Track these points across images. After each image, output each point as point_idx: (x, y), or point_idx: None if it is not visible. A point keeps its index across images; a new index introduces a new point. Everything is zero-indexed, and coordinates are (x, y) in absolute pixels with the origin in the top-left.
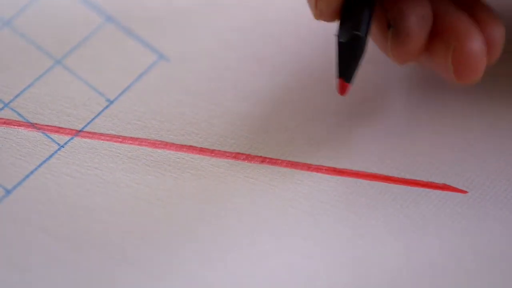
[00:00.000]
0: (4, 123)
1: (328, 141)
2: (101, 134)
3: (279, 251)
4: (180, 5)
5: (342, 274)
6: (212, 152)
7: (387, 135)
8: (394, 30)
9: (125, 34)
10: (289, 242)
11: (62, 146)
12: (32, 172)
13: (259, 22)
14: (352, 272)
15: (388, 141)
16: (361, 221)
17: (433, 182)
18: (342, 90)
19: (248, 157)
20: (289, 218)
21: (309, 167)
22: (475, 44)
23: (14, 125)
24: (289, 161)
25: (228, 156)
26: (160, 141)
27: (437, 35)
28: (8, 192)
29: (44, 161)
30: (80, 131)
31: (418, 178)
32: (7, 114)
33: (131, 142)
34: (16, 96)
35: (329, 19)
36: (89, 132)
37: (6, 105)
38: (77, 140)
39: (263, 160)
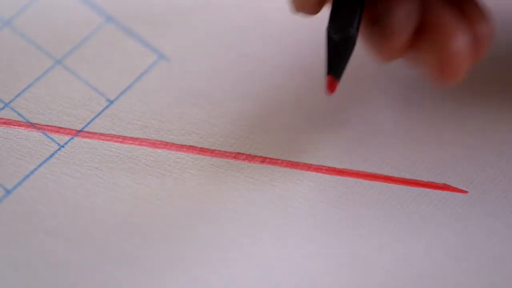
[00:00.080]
0: (4, 123)
1: (328, 141)
2: (101, 134)
3: (279, 251)
4: (180, 5)
5: (342, 274)
6: (212, 152)
7: (387, 135)
8: (379, 27)
9: (125, 34)
10: (289, 242)
11: (62, 146)
12: (32, 172)
13: (259, 22)
14: (352, 272)
15: (388, 141)
16: (361, 221)
17: (433, 182)
18: (332, 87)
19: (249, 157)
20: (289, 218)
21: (309, 167)
22: (460, 41)
23: (14, 125)
24: (289, 161)
25: (228, 156)
26: (160, 141)
27: (423, 32)
28: (8, 192)
29: (44, 161)
30: (80, 131)
31: (418, 178)
32: (7, 114)
33: (131, 142)
34: (16, 96)
35: (309, 12)
36: (89, 132)
37: (6, 105)
38: (77, 140)
39: (264, 160)
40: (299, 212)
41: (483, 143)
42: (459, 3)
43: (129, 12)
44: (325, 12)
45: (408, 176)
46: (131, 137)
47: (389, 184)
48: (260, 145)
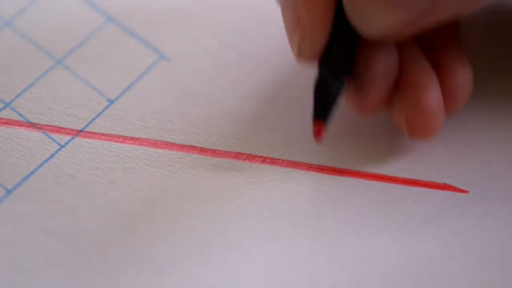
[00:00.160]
0: (5, 123)
1: (328, 141)
2: (102, 134)
3: (279, 251)
4: (181, 5)
5: (343, 274)
6: (213, 152)
7: (387, 135)
8: (357, 81)
9: (126, 34)
10: (289, 242)
11: (63, 146)
12: (32, 172)
13: (259, 22)
14: (352, 272)
15: (388, 141)
16: (362, 221)
17: (434, 182)
18: (319, 133)
19: (249, 157)
20: (290, 218)
21: (309, 167)
22: (430, 96)
23: (14, 125)
24: (290, 161)
25: (229, 156)
26: (161, 141)
27: (396, 89)
28: (8, 192)
29: (45, 161)
30: (80, 131)
31: (418, 178)
32: (7, 114)
33: (131, 142)
34: (17, 96)
35: (310, 62)
36: (90, 132)
37: (7, 105)
38: (77, 140)
39: (264, 160)
40: (299, 212)
41: (484, 142)
42: (439, 53)
43: (130, 12)
44: None
45: (408, 176)
46: (131, 137)
47: (390, 184)
48: (261, 145)
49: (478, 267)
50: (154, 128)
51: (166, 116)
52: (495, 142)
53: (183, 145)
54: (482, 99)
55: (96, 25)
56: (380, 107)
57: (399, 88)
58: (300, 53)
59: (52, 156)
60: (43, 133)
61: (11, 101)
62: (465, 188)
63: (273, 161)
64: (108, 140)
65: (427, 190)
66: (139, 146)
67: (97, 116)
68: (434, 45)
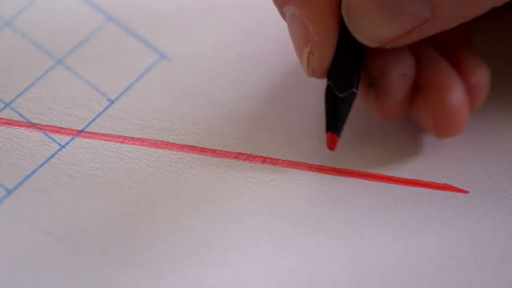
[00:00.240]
0: (5, 123)
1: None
2: (102, 134)
3: (279, 251)
4: (181, 5)
5: (343, 274)
6: (213, 152)
7: (387, 135)
8: (375, 88)
9: (126, 34)
10: (289, 242)
11: (63, 146)
12: (33, 172)
13: (259, 22)
14: (352, 272)
15: (388, 141)
16: (362, 221)
17: (434, 182)
18: (333, 144)
19: (249, 157)
20: (290, 218)
21: (310, 167)
22: (455, 96)
23: (15, 125)
24: (290, 161)
25: (229, 156)
26: (161, 141)
27: (418, 89)
28: (9, 192)
29: (45, 161)
30: (81, 131)
31: (418, 178)
32: (8, 114)
33: (132, 142)
34: (17, 96)
35: (321, 76)
36: (90, 132)
37: (7, 105)
38: (78, 140)
39: (264, 160)
40: (299, 212)
41: (484, 143)
42: (454, 54)
43: (130, 12)
44: None
45: (408, 176)
46: (132, 137)
47: (389, 184)
48: (261, 145)
49: (478, 267)
50: (155, 128)
51: (167, 116)
52: (495, 142)
53: (183, 145)
54: None
55: (96, 25)
56: (402, 111)
57: (422, 89)
58: (311, 68)
59: (52, 156)
60: (44, 133)
61: (12, 101)
62: (465, 188)
63: (273, 161)
64: (109, 140)
65: (427, 190)
66: (140, 146)
67: (97, 116)
68: (448, 45)
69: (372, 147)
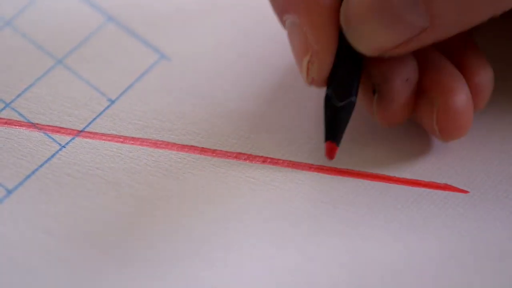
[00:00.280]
0: (6, 123)
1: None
2: (103, 134)
3: (279, 251)
4: (181, 5)
5: (343, 274)
6: (213, 152)
7: (388, 135)
8: (378, 95)
9: (126, 34)
10: (289, 242)
11: (64, 146)
12: (33, 172)
13: (259, 22)
14: (352, 272)
15: (388, 141)
16: (362, 222)
17: (434, 182)
18: (332, 153)
19: (250, 157)
20: (290, 218)
21: (310, 167)
22: (459, 98)
23: (15, 125)
24: (290, 161)
25: (229, 156)
26: (162, 141)
27: (422, 92)
28: (9, 192)
29: (45, 161)
30: (81, 131)
31: (419, 178)
32: (8, 114)
33: (132, 142)
34: (17, 96)
35: (321, 85)
36: (91, 132)
37: (7, 105)
38: (78, 140)
39: (265, 160)
40: (299, 212)
41: (484, 143)
42: (457, 54)
43: (130, 12)
44: None
45: (408, 176)
46: (132, 137)
47: (390, 184)
48: (261, 145)
49: (478, 267)
50: (155, 128)
51: (167, 116)
52: (496, 142)
53: (183, 145)
54: None
55: (96, 25)
56: (406, 116)
57: (425, 92)
58: (310, 77)
59: (52, 156)
60: (44, 133)
61: (12, 101)
62: (465, 188)
63: (273, 161)
64: (109, 140)
65: (427, 190)
66: (140, 146)
67: (97, 116)
68: (451, 45)
69: (373, 147)
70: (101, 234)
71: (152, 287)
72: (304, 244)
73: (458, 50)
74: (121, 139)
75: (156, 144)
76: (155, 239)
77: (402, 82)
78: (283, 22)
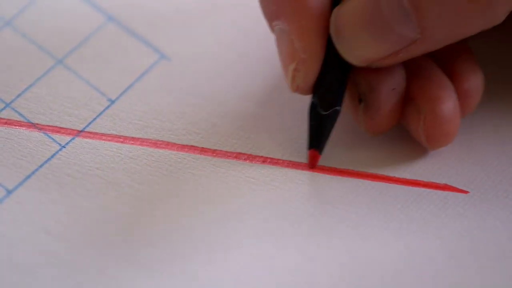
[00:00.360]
0: (5, 123)
1: (329, 141)
2: (103, 134)
3: (279, 251)
4: (181, 5)
5: (343, 274)
6: (213, 152)
7: (387, 135)
8: (364, 104)
9: (127, 34)
10: (289, 242)
11: (64, 147)
12: (33, 172)
13: (259, 22)
14: (352, 272)
15: (388, 141)
16: (362, 222)
17: (434, 182)
18: (314, 161)
19: (250, 157)
20: (290, 218)
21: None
22: (446, 106)
23: (15, 125)
24: (290, 161)
25: (229, 156)
26: (162, 141)
27: (409, 99)
28: (9, 192)
29: (45, 162)
30: (81, 131)
31: (419, 178)
32: (8, 114)
33: (132, 142)
34: (17, 96)
35: (306, 93)
36: (91, 132)
37: (7, 105)
38: (78, 140)
39: (265, 160)
40: (299, 212)
41: (484, 143)
42: (448, 58)
43: (130, 12)
44: None
45: (408, 176)
46: (132, 137)
47: (390, 184)
48: (261, 145)
49: (478, 267)
50: (155, 128)
51: (167, 116)
52: (496, 142)
53: (183, 145)
54: (482, 100)
55: (96, 25)
56: (392, 124)
57: (413, 99)
58: (295, 84)
59: (52, 156)
60: (44, 133)
61: (12, 101)
62: (465, 188)
63: (273, 161)
64: (109, 140)
65: (427, 190)
66: (140, 146)
67: (97, 116)
68: (443, 50)
69: (373, 148)
70: (101, 234)
71: (152, 287)
72: (304, 244)
73: (449, 54)
74: (121, 139)
75: (156, 144)
76: (155, 239)
77: (388, 91)
78: (272, 28)
